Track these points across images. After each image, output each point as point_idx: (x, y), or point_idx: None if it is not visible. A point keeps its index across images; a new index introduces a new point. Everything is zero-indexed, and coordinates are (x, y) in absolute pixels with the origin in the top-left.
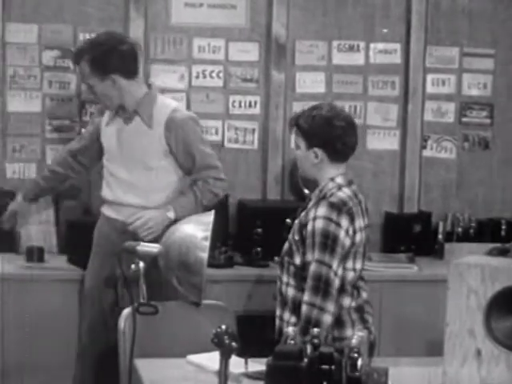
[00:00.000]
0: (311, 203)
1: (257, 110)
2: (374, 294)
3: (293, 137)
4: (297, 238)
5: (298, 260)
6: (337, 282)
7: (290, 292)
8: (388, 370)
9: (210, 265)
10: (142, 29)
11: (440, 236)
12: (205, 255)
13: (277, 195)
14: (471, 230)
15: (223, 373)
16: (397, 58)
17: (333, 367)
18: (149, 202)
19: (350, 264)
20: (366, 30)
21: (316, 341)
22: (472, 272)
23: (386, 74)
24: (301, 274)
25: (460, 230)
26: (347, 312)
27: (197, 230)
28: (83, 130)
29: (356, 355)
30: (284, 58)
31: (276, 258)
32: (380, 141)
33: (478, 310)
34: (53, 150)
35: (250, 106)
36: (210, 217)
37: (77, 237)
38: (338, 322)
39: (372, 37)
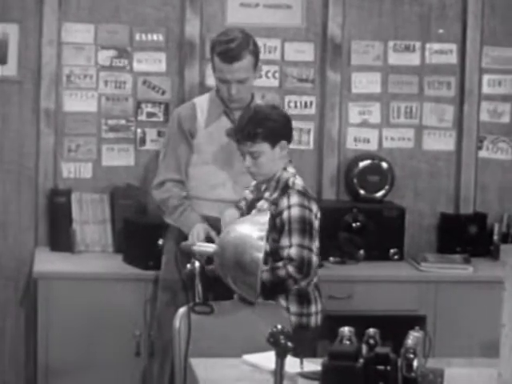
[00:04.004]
0: (269, 193)
1: (312, 111)
2: (429, 295)
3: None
4: None
5: (266, 247)
6: (317, 262)
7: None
8: (444, 371)
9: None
10: (198, 29)
11: (495, 237)
12: (260, 255)
13: (332, 195)
14: None
15: (279, 372)
16: (453, 59)
17: (388, 368)
18: None
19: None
20: (421, 30)
21: (372, 341)
22: None
23: (441, 75)
24: (269, 259)
25: None
26: (312, 289)
27: (252, 230)
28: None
29: (412, 356)
30: (340, 58)
31: (331, 259)
32: (436, 141)
33: None
34: (108, 149)
35: (305, 106)
36: (265, 217)
37: (133, 236)
38: (308, 300)
39: (428, 37)
